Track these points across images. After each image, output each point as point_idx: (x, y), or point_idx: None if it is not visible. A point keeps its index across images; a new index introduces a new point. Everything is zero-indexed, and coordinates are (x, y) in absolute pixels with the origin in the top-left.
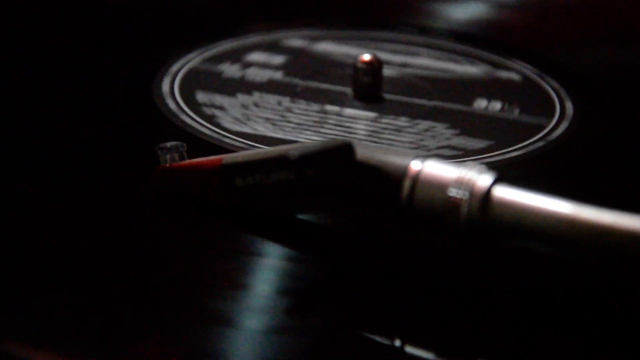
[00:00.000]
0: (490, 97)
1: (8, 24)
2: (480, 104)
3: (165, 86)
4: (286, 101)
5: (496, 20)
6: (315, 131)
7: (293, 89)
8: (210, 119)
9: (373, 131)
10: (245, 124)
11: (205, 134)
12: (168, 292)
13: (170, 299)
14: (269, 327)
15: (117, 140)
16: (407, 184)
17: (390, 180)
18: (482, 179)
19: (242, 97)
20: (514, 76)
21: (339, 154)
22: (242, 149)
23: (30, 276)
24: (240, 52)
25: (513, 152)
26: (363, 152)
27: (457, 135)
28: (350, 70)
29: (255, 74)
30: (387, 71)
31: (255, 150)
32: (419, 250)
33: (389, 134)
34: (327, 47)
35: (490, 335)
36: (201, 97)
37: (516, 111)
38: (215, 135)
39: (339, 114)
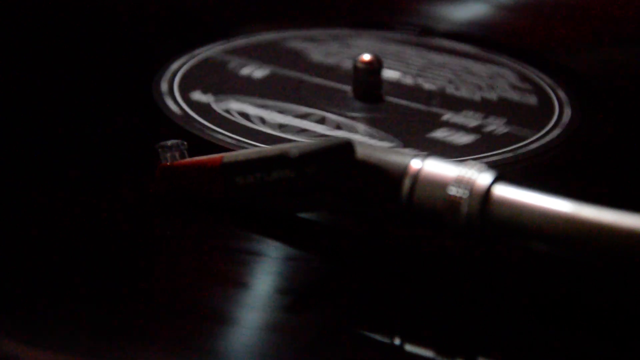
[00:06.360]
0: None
1: (8, 24)
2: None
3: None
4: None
5: (496, 20)
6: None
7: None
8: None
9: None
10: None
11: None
12: (168, 290)
13: (171, 297)
14: (268, 325)
15: (118, 139)
16: (407, 182)
17: (390, 178)
18: (482, 178)
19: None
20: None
21: (339, 153)
22: (243, 147)
23: (30, 276)
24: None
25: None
26: (363, 150)
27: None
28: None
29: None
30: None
31: (256, 149)
32: (419, 248)
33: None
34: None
35: (489, 335)
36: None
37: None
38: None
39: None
